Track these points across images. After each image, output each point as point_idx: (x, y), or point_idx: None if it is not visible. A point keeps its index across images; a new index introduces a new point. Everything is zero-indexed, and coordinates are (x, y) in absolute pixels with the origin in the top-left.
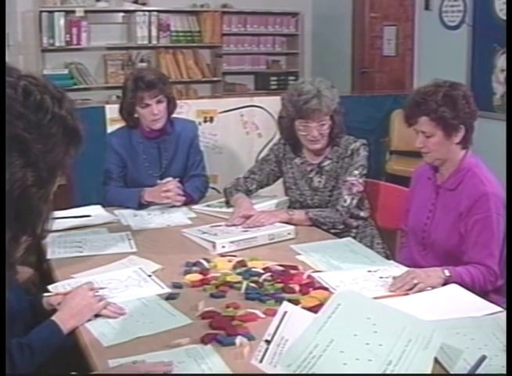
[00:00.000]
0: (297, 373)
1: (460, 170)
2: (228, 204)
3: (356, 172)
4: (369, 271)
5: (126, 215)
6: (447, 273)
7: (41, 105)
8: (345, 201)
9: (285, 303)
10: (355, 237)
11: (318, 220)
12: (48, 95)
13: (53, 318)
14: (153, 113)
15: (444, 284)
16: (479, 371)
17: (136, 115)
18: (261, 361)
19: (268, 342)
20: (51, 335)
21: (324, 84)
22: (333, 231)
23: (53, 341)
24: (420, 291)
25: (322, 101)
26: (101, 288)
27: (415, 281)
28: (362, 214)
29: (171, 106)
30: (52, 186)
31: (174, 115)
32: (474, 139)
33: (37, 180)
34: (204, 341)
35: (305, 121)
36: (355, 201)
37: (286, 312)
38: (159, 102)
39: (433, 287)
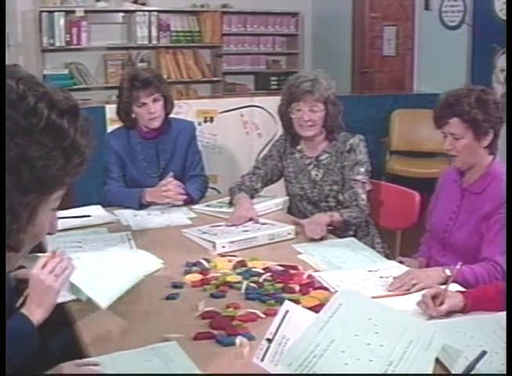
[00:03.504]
0: (298, 372)
1: (488, 175)
2: (231, 203)
3: (362, 170)
4: (370, 271)
5: (126, 215)
6: (448, 273)
7: (35, 110)
8: (363, 200)
9: (286, 302)
10: (354, 235)
11: (350, 221)
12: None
13: (22, 310)
14: (149, 111)
15: (445, 283)
16: (478, 366)
17: (134, 115)
18: (262, 360)
19: (269, 341)
20: (19, 327)
21: (323, 74)
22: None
23: (24, 333)
24: (420, 291)
25: (315, 85)
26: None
27: (414, 281)
28: None
29: (169, 106)
30: (39, 200)
31: (172, 115)
32: None
33: (17, 186)
34: (197, 338)
35: (297, 104)
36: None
37: (287, 311)
38: (155, 100)
39: None
